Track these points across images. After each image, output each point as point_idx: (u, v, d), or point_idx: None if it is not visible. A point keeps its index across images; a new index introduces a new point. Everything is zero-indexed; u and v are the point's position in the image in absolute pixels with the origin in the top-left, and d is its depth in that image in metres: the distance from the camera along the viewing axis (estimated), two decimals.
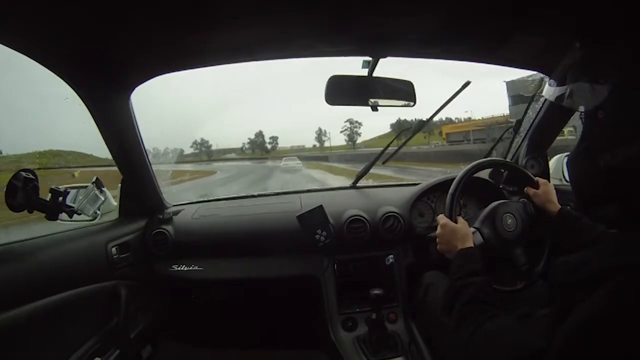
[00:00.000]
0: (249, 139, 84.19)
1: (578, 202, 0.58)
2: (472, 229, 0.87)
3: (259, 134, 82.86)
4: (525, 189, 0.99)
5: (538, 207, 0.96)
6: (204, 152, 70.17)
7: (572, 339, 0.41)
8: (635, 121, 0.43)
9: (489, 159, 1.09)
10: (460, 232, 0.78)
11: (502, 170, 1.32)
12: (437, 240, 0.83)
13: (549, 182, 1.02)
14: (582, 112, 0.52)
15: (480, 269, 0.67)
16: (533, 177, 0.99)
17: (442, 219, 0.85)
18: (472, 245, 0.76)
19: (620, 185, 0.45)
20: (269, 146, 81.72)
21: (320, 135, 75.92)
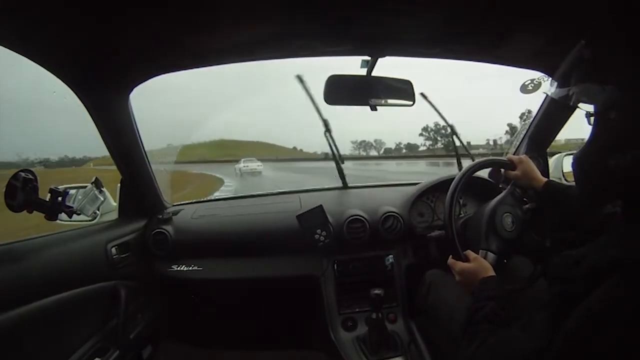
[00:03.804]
0: (429, 128, 58.87)
1: (583, 201, 0.58)
2: (482, 252, 0.85)
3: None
4: (504, 173, 0.98)
5: (524, 189, 0.94)
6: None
7: (572, 338, 0.40)
8: None
9: (486, 159, 1.09)
10: (479, 269, 0.78)
11: (501, 170, 1.32)
12: (461, 285, 0.82)
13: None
14: (589, 112, 0.51)
15: (496, 294, 0.69)
16: (505, 160, 0.97)
17: (455, 264, 0.82)
18: (493, 273, 0.76)
19: (629, 185, 0.45)
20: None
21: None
